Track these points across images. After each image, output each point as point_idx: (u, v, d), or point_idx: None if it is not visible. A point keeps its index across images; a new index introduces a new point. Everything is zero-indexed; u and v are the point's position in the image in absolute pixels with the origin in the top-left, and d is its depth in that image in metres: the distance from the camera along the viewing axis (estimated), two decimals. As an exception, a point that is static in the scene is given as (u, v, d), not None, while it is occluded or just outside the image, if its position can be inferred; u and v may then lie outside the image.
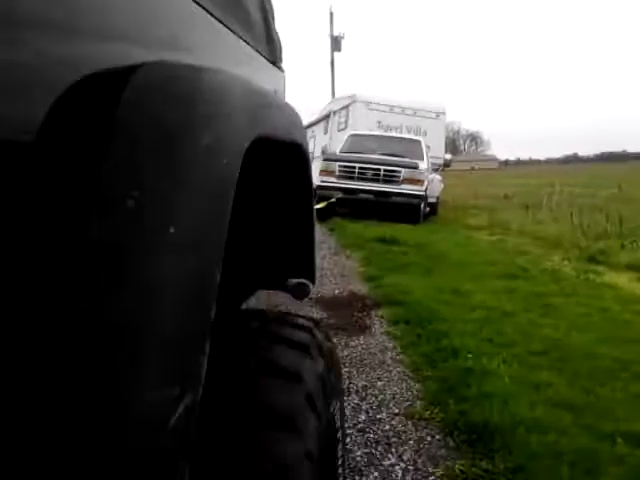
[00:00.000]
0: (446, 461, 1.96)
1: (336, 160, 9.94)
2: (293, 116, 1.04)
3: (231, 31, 1.08)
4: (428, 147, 12.67)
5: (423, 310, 3.72)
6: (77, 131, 0.47)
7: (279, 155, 0.93)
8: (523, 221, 9.54)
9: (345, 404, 2.24)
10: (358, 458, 1.97)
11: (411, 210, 9.31)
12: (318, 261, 1.20)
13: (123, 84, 0.50)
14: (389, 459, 1.97)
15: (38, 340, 0.41)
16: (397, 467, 1.92)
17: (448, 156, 14.20)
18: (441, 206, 12.96)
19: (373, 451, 2.03)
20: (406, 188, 9.14)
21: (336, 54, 23.82)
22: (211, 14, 0.93)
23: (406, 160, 9.51)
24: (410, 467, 1.93)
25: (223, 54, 1.04)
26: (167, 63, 0.61)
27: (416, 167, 9.32)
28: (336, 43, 23.66)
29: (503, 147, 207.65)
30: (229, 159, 0.58)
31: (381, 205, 9.46)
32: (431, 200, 11.03)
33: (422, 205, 9.44)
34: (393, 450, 2.03)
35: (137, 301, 0.44)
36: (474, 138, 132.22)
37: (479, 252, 6.47)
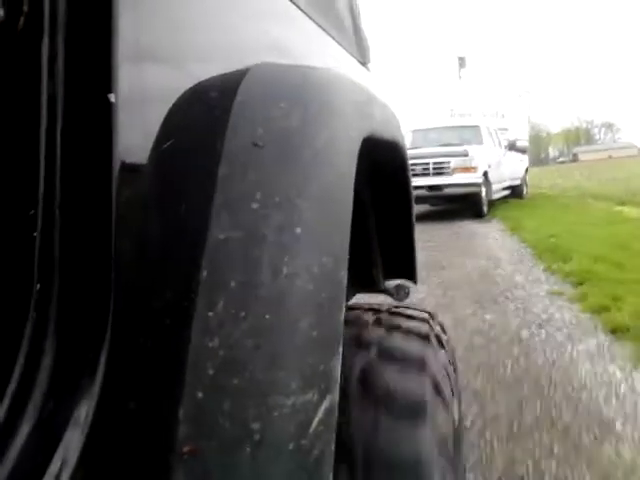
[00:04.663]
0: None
1: None
2: (392, 114, 1.03)
3: (327, 33, 1.08)
4: (504, 129, 12.16)
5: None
6: (193, 134, 0.48)
7: (381, 154, 0.93)
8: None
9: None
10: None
11: (469, 200, 8.82)
12: (419, 261, 1.18)
13: (235, 86, 0.51)
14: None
15: (170, 341, 0.42)
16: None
17: (523, 142, 13.07)
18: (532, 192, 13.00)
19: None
20: (458, 178, 8.57)
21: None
22: (309, 16, 0.94)
23: (454, 149, 8.92)
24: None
25: (320, 56, 1.03)
26: (274, 64, 0.62)
27: (465, 154, 8.66)
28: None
29: None
30: (346, 158, 0.58)
31: (437, 199, 9.20)
32: (504, 185, 10.63)
33: (482, 194, 8.80)
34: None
35: (274, 304, 0.44)
36: (609, 126, 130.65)
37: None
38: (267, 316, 0.43)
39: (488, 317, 3.26)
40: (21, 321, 0.40)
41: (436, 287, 4.05)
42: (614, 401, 2.08)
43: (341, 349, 0.48)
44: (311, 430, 0.42)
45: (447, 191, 8.62)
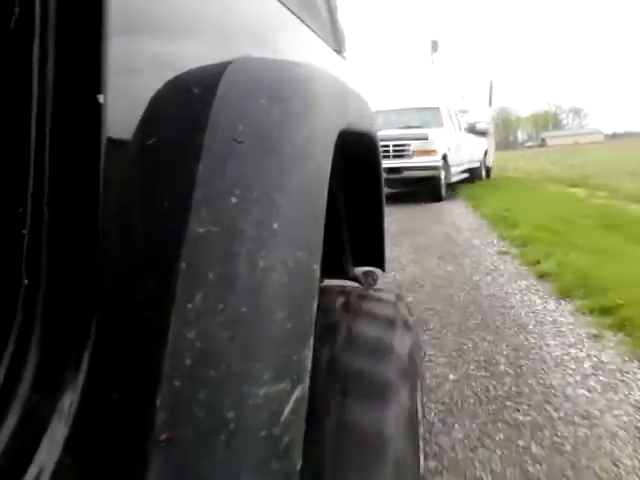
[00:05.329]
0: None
1: None
2: (366, 105, 1.04)
3: (303, 22, 1.07)
4: (464, 111, 12.12)
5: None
6: (175, 130, 0.49)
7: (354, 145, 0.92)
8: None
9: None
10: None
11: (428, 183, 8.84)
12: (387, 250, 1.21)
13: (216, 82, 0.52)
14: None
15: (146, 331, 0.43)
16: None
17: (483, 125, 12.82)
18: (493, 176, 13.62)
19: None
20: (417, 161, 8.55)
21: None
22: (285, 6, 0.92)
23: (414, 131, 8.88)
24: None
25: (297, 45, 1.02)
26: (255, 59, 0.62)
27: (425, 138, 8.63)
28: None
29: (610, 120, 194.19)
30: (323, 153, 0.59)
31: (395, 182, 8.93)
32: (463, 167, 10.67)
33: (442, 177, 8.84)
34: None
35: (250, 296, 0.45)
36: (577, 111, 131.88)
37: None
38: (243, 308, 0.44)
39: (449, 268, 4.21)
40: (9, 315, 0.40)
41: (408, 247, 5.00)
42: (531, 314, 3.05)
43: (312, 340, 0.49)
44: (282, 419, 0.43)
45: (406, 174, 8.58)
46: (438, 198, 8.85)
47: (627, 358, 2.41)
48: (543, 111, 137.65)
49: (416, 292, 3.56)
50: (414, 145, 8.58)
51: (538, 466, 1.64)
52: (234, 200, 0.47)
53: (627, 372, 2.27)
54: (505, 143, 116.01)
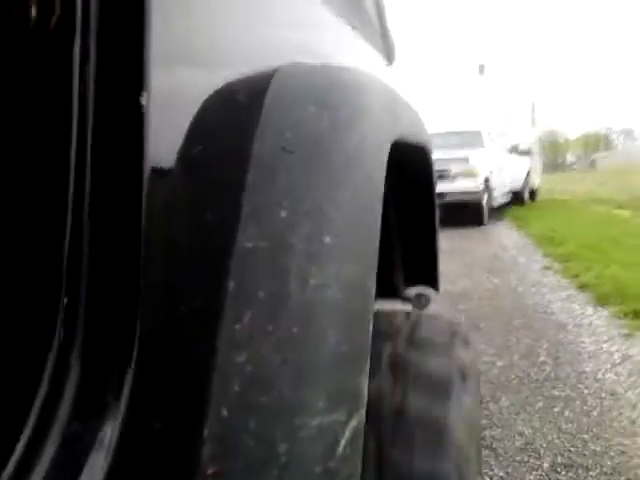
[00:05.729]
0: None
1: None
2: (419, 117, 1.02)
3: (354, 31, 1.06)
4: (504, 134, 11.63)
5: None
6: (222, 139, 0.48)
7: (408, 157, 0.91)
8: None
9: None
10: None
11: (469, 208, 8.51)
12: (441, 268, 1.17)
13: (264, 89, 0.51)
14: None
15: (198, 353, 0.41)
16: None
17: (525, 145, 12.22)
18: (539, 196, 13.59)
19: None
20: (459, 185, 8.24)
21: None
22: (336, 14, 0.91)
23: (455, 153, 8.48)
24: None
25: (347, 54, 1.01)
26: (303, 65, 0.60)
27: (466, 160, 8.35)
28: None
29: None
30: (376, 162, 0.57)
31: (441, 208, 8.32)
32: (506, 190, 10.46)
33: (483, 201, 8.54)
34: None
35: (302, 316, 0.42)
36: (629, 133, 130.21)
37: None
38: (295, 329, 0.42)
39: (496, 281, 4.62)
40: (47, 337, 0.39)
41: (460, 264, 5.42)
42: (570, 319, 3.45)
43: (368, 365, 0.47)
44: (339, 451, 0.41)
45: (449, 199, 8.11)
46: (480, 222, 8.60)
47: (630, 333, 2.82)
48: (593, 132, 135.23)
49: (466, 301, 4.00)
50: (455, 168, 8.26)
51: (570, 424, 2.08)
52: (284, 213, 0.45)
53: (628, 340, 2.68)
54: (553, 165, 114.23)
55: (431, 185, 1.08)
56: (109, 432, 0.37)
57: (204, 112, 0.46)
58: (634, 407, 2.19)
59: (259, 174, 0.46)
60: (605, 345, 2.94)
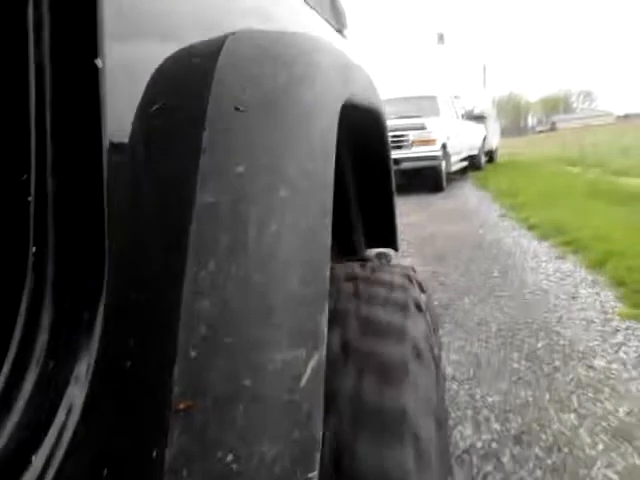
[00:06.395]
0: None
1: None
2: (370, 81, 1.03)
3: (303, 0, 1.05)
4: (456, 97, 11.72)
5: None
6: (180, 103, 0.48)
7: (360, 119, 0.91)
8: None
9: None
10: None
11: (427, 174, 8.65)
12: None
13: (217, 50, 0.51)
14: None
15: (163, 303, 0.42)
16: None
17: (480, 110, 12.66)
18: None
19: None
20: (416, 151, 8.33)
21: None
22: None
23: (412, 121, 8.52)
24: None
25: (296, 22, 1.00)
26: (254, 30, 0.62)
27: (423, 127, 8.41)
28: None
29: (621, 101, 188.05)
30: (329, 119, 0.58)
31: (395, 174, 7.62)
32: (462, 156, 10.52)
33: (442, 166, 8.67)
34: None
35: (262, 262, 0.45)
36: (587, 94, 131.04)
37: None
38: (256, 274, 0.44)
39: (459, 226, 5.52)
40: (19, 283, 0.40)
41: (427, 214, 6.31)
42: (519, 249, 4.36)
43: (327, 305, 0.49)
44: (301, 385, 0.43)
45: (405, 165, 8.25)
46: (439, 188, 8.74)
47: (574, 263, 3.74)
48: (553, 95, 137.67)
49: (434, 241, 4.87)
50: (412, 135, 8.33)
51: (511, 309, 2.96)
52: (241, 169, 0.46)
53: (572, 271, 3.60)
54: (515, 129, 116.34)
55: (385, 146, 1.11)
56: (84, 369, 0.38)
57: (160, 74, 0.46)
58: (557, 296, 3.09)
59: (215, 132, 0.47)
60: (543, 264, 3.85)
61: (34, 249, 0.40)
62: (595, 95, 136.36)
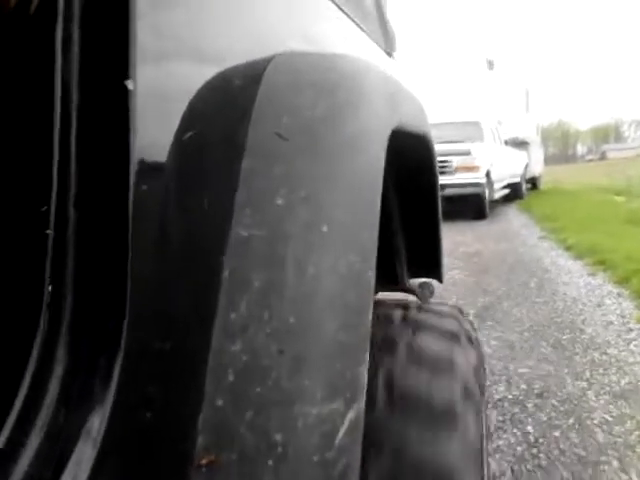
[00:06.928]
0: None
1: None
2: (420, 106, 1.01)
3: (352, 20, 1.04)
4: (499, 123, 11.50)
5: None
6: (215, 125, 0.45)
7: (408, 146, 0.88)
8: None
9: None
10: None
11: (470, 201, 8.46)
12: (445, 259, 1.16)
13: (260, 74, 0.49)
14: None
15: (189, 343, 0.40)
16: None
17: (523, 137, 12.48)
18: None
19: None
20: (460, 177, 8.15)
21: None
22: (333, 2, 0.89)
23: (456, 146, 8.26)
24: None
25: (345, 44, 0.97)
26: (299, 52, 0.60)
27: (468, 153, 8.25)
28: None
29: None
30: (375, 149, 0.56)
31: (443, 201, 6.81)
32: (504, 183, 10.30)
33: (485, 194, 8.48)
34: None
35: (299, 305, 0.42)
36: (639, 124, 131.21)
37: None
38: (292, 319, 0.42)
39: (502, 245, 6.04)
40: (32, 324, 0.38)
41: (472, 237, 6.86)
42: (555, 267, 4.87)
43: (368, 354, 0.46)
44: (337, 441, 0.41)
45: (449, 192, 7.84)
46: (482, 216, 8.56)
47: (603, 279, 4.26)
48: (603, 123, 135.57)
49: (479, 257, 5.42)
50: (456, 161, 8.16)
51: (544, 311, 3.50)
52: (280, 201, 0.44)
53: (601, 285, 4.12)
54: (563, 157, 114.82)
55: (433, 174, 1.08)
56: (96, 422, 0.35)
57: (197, 99, 0.43)
58: (584, 304, 3.61)
59: (254, 161, 0.45)
60: (575, 279, 4.37)
61: (50, 288, 0.37)
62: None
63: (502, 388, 2.36)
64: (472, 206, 8.54)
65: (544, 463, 1.77)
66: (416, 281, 1.19)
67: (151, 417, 0.37)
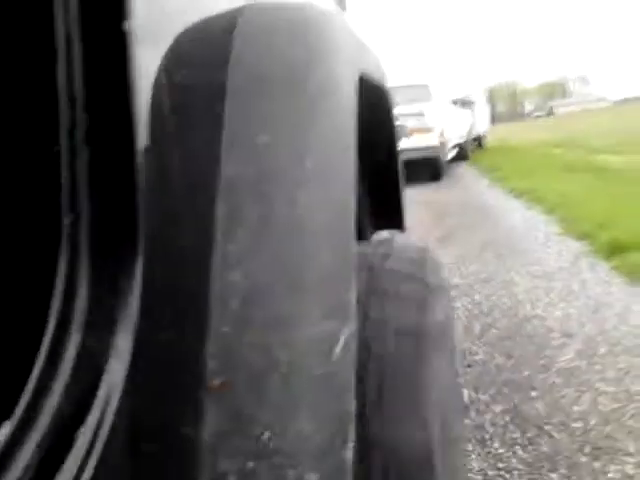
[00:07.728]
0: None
1: None
2: (379, 59, 1.02)
3: None
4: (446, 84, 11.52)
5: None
6: (197, 75, 0.48)
7: (371, 97, 0.89)
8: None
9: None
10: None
11: (427, 164, 8.40)
12: (406, 210, 1.20)
13: (233, 24, 0.51)
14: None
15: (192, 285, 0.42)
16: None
17: (467, 98, 12.39)
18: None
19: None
20: (416, 141, 7.86)
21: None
22: None
23: (408, 108, 7.84)
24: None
25: None
26: (268, 2, 0.62)
27: (422, 114, 8.18)
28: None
29: (618, 86, 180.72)
30: (347, 90, 0.58)
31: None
32: (455, 143, 10.41)
33: (440, 156, 8.55)
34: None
35: (291, 235, 0.44)
36: (583, 79, 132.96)
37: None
38: (286, 247, 0.44)
39: (455, 193, 7.10)
40: (53, 257, 0.40)
41: (430, 190, 7.90)
42: (498, 203, 5.93)
43: (355, 278, 0.48)
44: (334, 357, 0.43)
45: (405, 155, 7.20)
46: (438, 178, 8.59)
47: (537, 212, 5.35)
48: (549, 81, 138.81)
49: (435, 204, 6.44)
50: (411, 123, 7.78)
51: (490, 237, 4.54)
52: (263, 139, 0.45)
53: (533, 215, 5.20)
54: (512, 115, 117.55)
55: (392, 126, 1.10)
56: (124, 343, 0.40)
57: (179, 45, 0.48)
58: (520, 227, 4.67)
59: (236, 102, 0.46)
60: (514, 213, 5.46)
61: (68, 220, 0.40)
62: (590, 80, 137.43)
63: (457, 279, 3.38)
64: (428, 169, 8.49)
65: (485, 309, 2.82)
66: (379, 233, 1.20)
67: (166, 341, 0.41)
